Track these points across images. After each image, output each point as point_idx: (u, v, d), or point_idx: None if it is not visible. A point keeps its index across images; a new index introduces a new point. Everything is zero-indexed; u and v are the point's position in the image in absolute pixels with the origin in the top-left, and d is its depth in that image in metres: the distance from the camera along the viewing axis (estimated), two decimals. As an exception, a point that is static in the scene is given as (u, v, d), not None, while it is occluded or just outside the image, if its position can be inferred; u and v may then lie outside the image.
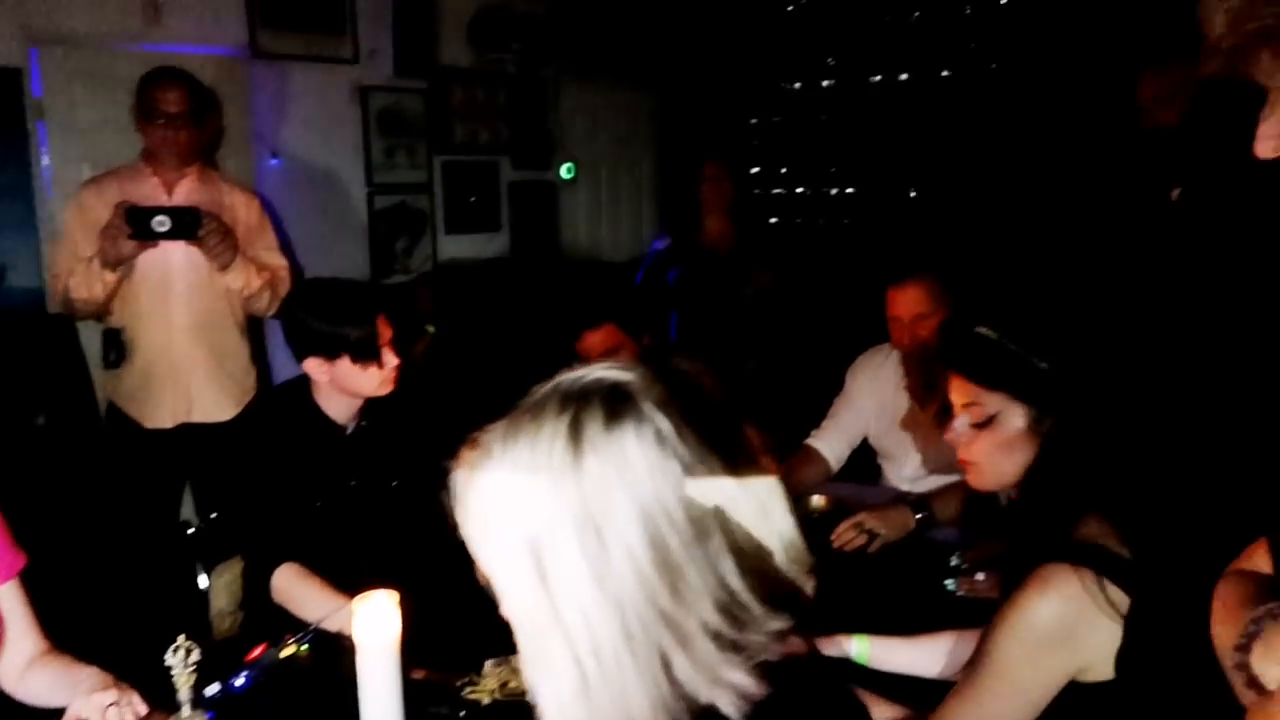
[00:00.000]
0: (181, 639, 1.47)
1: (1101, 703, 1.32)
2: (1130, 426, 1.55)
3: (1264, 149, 0.80)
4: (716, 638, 0.72)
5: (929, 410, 2.50)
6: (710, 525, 0.73)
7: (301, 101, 4.10)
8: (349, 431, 2.19)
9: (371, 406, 2.19)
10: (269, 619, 1.98)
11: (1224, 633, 0.93)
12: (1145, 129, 2.66)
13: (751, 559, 0.74)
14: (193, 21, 3.78)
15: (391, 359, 2.12)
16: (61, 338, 3.54)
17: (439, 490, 2.34)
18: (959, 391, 1.52)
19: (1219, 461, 2.21)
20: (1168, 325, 2.49)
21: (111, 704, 1.55)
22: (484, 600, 1.94)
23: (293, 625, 1.85)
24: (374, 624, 1.49)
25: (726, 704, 0.72)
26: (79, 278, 2.67)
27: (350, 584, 1.92)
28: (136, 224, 2.60)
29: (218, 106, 3.56)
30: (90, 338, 3.31)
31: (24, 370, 3.20)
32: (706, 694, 0.72)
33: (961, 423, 1.51)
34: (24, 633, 1.78)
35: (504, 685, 1.66)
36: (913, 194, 4.90)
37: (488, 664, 1.70)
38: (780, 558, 0.76)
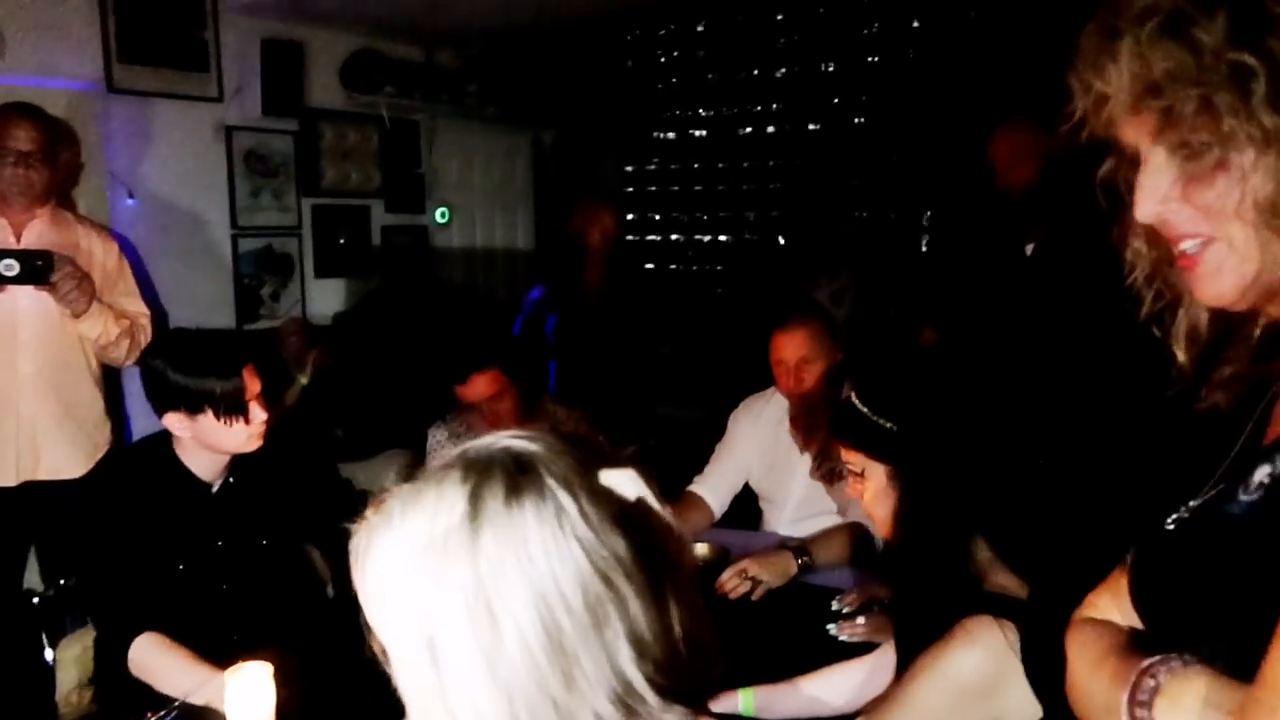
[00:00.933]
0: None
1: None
2: (981, 473, 1.67)
3: (1147, 211, 0.82)
4: None
5: (809, 453, 2.56)
6: (608, 611, 0.69)
7: (161, 139, 3.93)
8: (215, 489, 2.08)
9: (240, 462, 2.09)
10: (125, 695, 1.85)
11: (1096, 687, 0.95)
12: (999, 188, 2.83)
13: (651, 646, 0.71)
14: (44, 53, 3.58)
15: (259, 414, 2.01)
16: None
17: (312, 550, 2.26)
18: (844, 455, 1.67)
19: (1073, 506, 2.34)
20: (1022, 370, 2.63)
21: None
22: (363, 669, 1.87)
23: (152, 701, 1.73)
24: (247, 698, 1.41)
25: None
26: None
27: (217, 654, 1.82)
28: (-20, 267, 2.43)
29: (74, 143, 3.37)
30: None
31: None
32: None
33: (851, 479, 1.65)
34: None
35: (386, 755, 1.59)
36: (781, 241, 5.06)
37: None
38: (681, 649, 0.73)
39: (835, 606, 2.16)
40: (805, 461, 2.56)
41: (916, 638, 1.56)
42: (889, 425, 1.59)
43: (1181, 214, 0.81)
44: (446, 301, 4.70)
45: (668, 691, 0.71)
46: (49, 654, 2.09)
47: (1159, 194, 0.80)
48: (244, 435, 2.00)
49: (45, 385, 2.66)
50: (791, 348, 2.52)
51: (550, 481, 0.71)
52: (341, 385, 3.66)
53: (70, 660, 2.08)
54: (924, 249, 4.46)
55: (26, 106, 2.69)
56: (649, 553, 0.72)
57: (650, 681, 0.70)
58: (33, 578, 2.83)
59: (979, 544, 1.62)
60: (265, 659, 1.50)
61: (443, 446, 2.72)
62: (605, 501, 0.72)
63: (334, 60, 4.44)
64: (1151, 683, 0.84)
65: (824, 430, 2.58)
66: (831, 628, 2.08)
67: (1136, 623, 1.02)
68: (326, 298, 4.52)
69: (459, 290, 5.01)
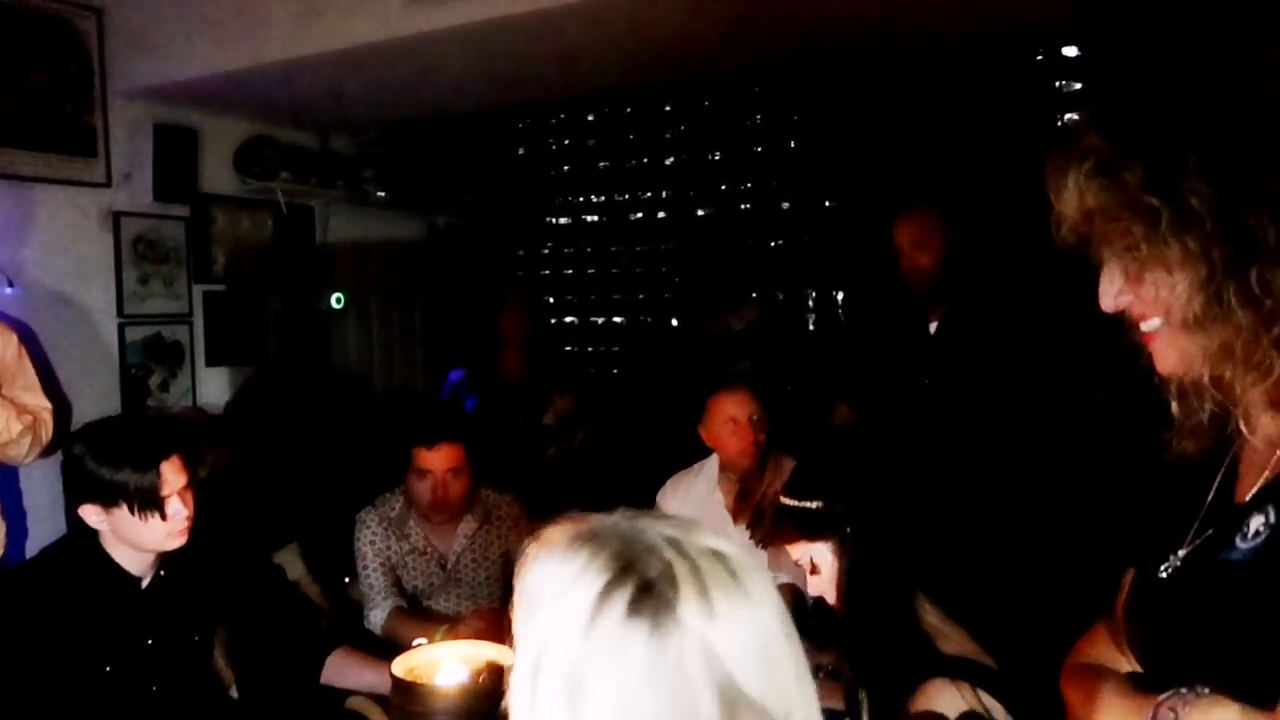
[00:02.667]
0: None
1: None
2: (913, 533, 1.79)
3: (1107, 304, 0.97)
4: None
5: (742, 521, 2.62)
6: None
7: (44, 225, 3.75)
8: (145, 584, 1.98)
9: (170, 555, 1.99)
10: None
11: None
12: (904, 268, 3.00)
13: None
14: (-85, 137, 3.40)
15: (180, 509, 1.93)
16: None
17: (216, 649, 2.16)
18: (792, 552, 1.78)
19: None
20: (936, 439, 2.79)
21: None
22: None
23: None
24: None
25: None
26: None
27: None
28: None
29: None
30: None
31: None
32: None
33: (809, 578, 1.76)
34: None
35: None
36: (675, 323, 5.19)
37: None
38: None
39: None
40: (739, 531, 2.62)
41: (873, 704, 1.64)
42: (815, 505, 1.72)
43: (1135, 302, 0.96)
44: (346, 386, 4.62)
45: None
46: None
47: (1113, 291, 0.96)
48: (162, 532, 1.91)
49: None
50: (741, 405, 2.61)
51: (668, 617, 0.73)
52: (241, 478, 3.53)
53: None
54: (811, 328, 4.66)
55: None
56: (771, 682, 0.75)
57: None
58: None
59: (925, 607, 1.73)
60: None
61: (372, 530, 2.65)
62: (735, 627, 0.74)
63: (228, 145, 4.36)
64: (1171, 715, 0.92)
65: (759, 493, 2.67)
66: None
67: (1130, 667, 1.11)
68: (218, 386, 4.36)
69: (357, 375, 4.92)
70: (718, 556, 0.78)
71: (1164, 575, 1.03)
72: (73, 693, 1.82)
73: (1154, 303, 0.93)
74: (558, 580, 0.77)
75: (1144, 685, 1.03)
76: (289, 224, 4.62)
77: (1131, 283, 0.94)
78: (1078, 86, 3.70)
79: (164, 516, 1.89)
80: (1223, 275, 0.86)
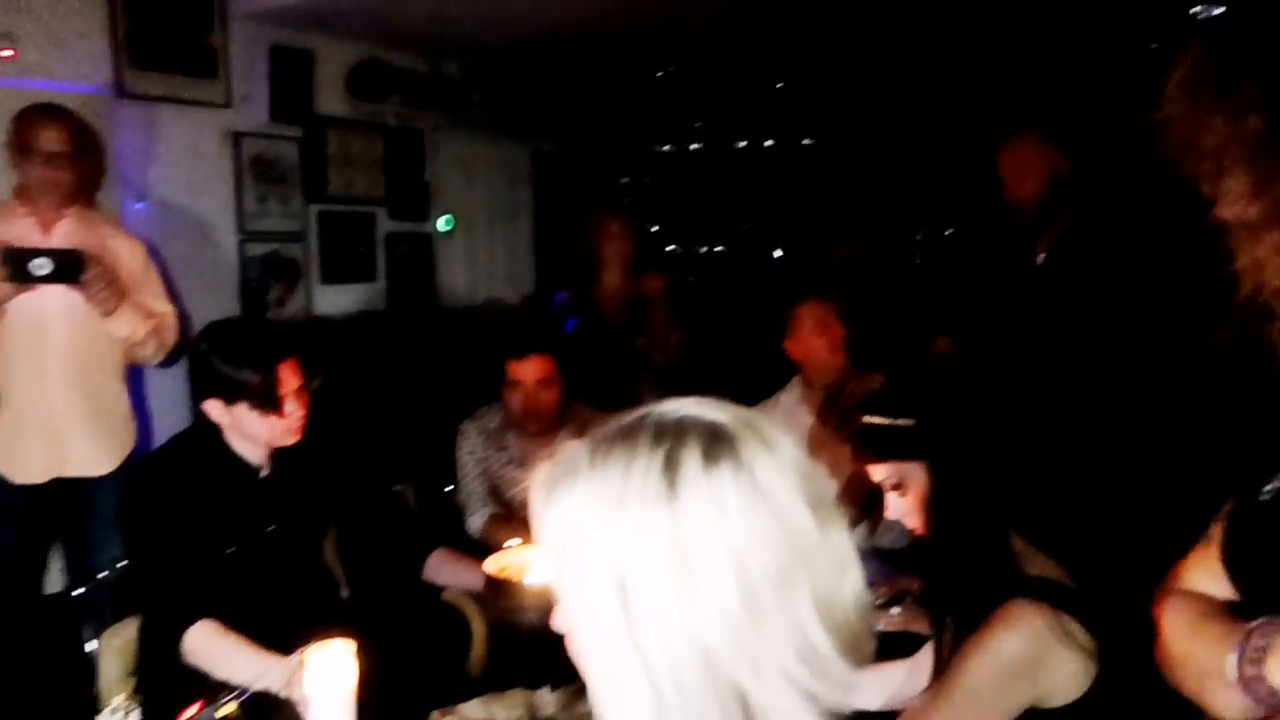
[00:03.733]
0: (120, 699, 1.38)
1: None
2: (1006, 457, 1.76)
3: (1227, 211, 0.93)
4: (795, 686, 0.73)
5: (829, 427, 2.62)
6: (797, 575, 0.74)
7: (170, 145, 3.93)
8: (264, 474, 2.10)
9: (285, 451, 2.11)
10: (169, 684, 1.86)
11: (1196, 652, 1.01)
12: (1009, 198, 2.91)
13: (832, 612, 0.75)
14: (53, 58, 3.58)
15: (296, 409, 2.04)
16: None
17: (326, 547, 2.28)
18: (874, 472, 1.74)
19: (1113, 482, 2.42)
20: (1037, 368, 2.72)
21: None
22: (418, 650, 1.90)
23: (199, 689, 1.73)
24: (328, 676, 1.44)
25: None
26: (-53, 319, 2.47)
27: (270, 640, 1.84)
28: (14, 266, 2.43)
29: (101, 147, 3.37)
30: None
31: None
32: None
33: (890, 497, 1.73)
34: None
35: (452, 736, 1.62)
36: (777, 254, 5.14)
37: (434, 715, 1.66)
38: (853, 615, 0.77)
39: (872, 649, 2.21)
40: (829, 438, 2.62)
41: (958, 627, 1.63)
42: (907, 423, 1.68)
43: (1258, 213, 0.91)
44: (452, 306, 4.74)
45: (845, 654, 0.75)
46: (91, 645, 2.09)
47: (1235, 200, 0.92)
48: (279, 428, 2.03)
49: (73, 384, 2.66)
50: (827, 314, 2.68)
51: (744, 450, 0.76)
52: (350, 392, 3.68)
53: (112, 653, 2.08)
54: (918, 263, 4.56)
55: (55, 108, 2.71)
56: (826, 525, 0.77)
57: (832, 643, 0.74)
58: (56, 573, 2.83)
59: (1012, 534, 1.71)
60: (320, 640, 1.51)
61: (472, 441, 2.75)
62: (789, 473, 0.77)
63: (341, 68, 4.47)
64: (1261, 642, 0.90)
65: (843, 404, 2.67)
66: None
67: (1228, 594, 1.08)
68: (332, 303, 4.53)
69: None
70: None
71: (1264, 499, 1.00)
72: (204, 571, 1.96)
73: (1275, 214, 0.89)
74: (603, 492, 0.76)
75: (1240, 613, 1.01)
76: (398, 146, 4.72)
77: (1255, 193, 0.90)
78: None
79: (280, 414, 2.01)
80: None
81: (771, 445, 0.78)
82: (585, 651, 0.79)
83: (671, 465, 0.75)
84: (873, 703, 1.74)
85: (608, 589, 0.75)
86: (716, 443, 0.76)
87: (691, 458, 0.75)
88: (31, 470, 2.62)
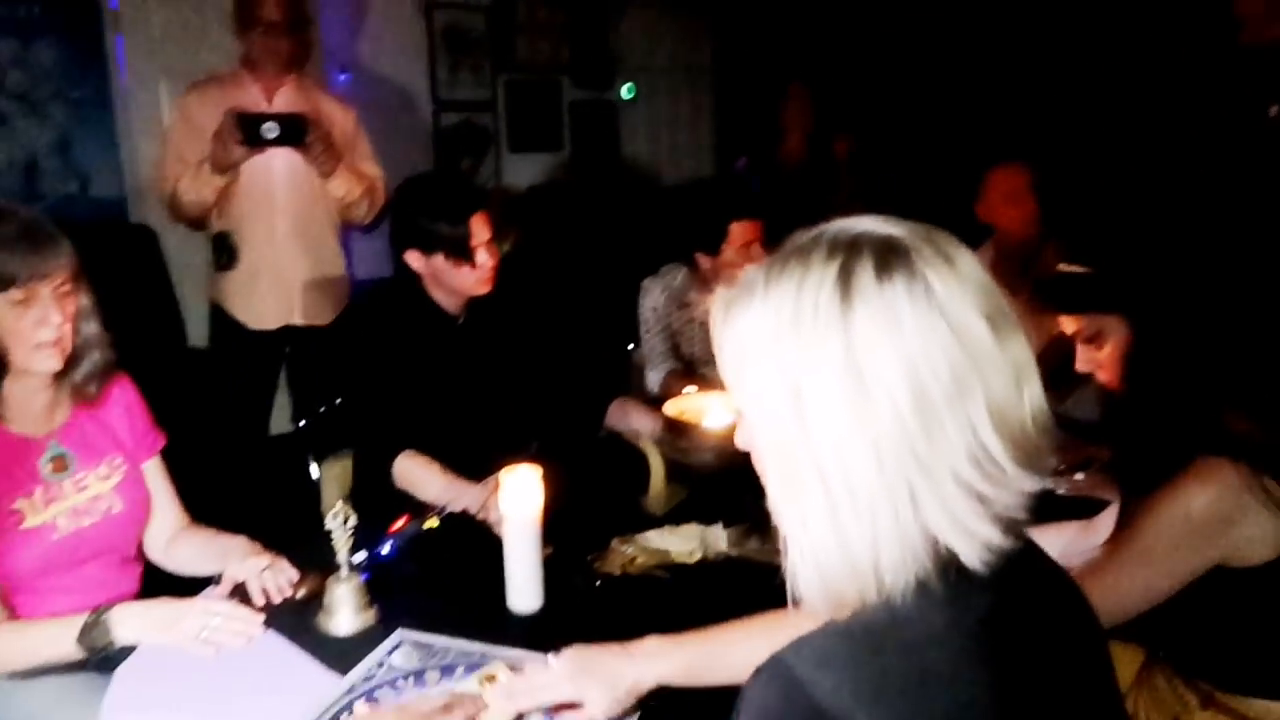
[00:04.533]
0: (340, 505, 1.54)
1: (1247, 585, 1.39)
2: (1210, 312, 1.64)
3: None
4: (966, 488, 0.74)
5: (1021, 298, 2.54)
6: (971, 383, 0.74)
7: (370, 15, 4.09)
8: (460, 322, 2.24)
9: (476, 302, 2.24)
10: (380, 506, 2.05)
11: None
12: (1243, 44, 2.63)
13: (1007, 419, 0.75)
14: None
15: (487, 259, 2.15)
16: (143, 245, 3.61)
17: (549, 384, 2.39)
18: (1067, 323, 1.69)
19: None
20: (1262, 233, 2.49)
21: (265, 568, 1.63)
22: (599, 485, 2.01)
23: (406, 510, 1.90)
24: (519, 496, 1.55)
25: (968, 552, 0.75)
26: (188, 181, 2.72)
27: (465, 469, 2.00)
28: (246, 130, 2.64)
29: (311, 18, 3.56)
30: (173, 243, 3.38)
31: (109, 278, 3.27)
32: (950, 539, 0.75)
33: (1081, 349, 1.67)
34: (168, 505, 1.87)
35: (632, 560, 1.72)
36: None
37: (614, 541, 1.77)
38: (1031, 428, 0.77)
39: (1050, 463, 2.16)
40: (1021, 306, 2.54)
41: (1148, 486, 1.57)
42: (1101, 274, 1.64)
43: None
44: (635, 173, 4.78)
45: (1021, 463, 0.76)
46: (314, 471, 2.32)
47: None
48: (472, 278, 2.15)
49: (298, 240, 2.89)
50: (1019, 176, 2.55)
51: (919, 262, 0.76)
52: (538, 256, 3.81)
53: (332, 479, 2.31)
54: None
55: (274, -22, 2.86)
56: (1004, 336, 0.77)
57: (1007, 451, 0.75)
58: (282, 412, 3.13)
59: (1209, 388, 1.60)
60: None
61: (655, 298, 2.82)
62: (967, 285, 0.77)
63: (526, -66, 4.49)
64: None
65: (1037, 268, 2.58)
66: (1049, 482, 2.08)
67: None
68: (520, 172, 4.66)
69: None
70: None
71: None
72: (408, 408, 2.13)
73: None
74: (778, 308, 0.78)
75: None
76: (583, 14, 4.72)
77: None
78: None
79: (473, 264, 2.12)
80: None
81: (949, 258, 0.78)
82: (764, 461, 0.82)
83: (845, 279, 0.76)
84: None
85: (783, 400, 0.77)
86: (891, 255, 0.76)
87: (865, 271, 0.76)
88: (265, 318, 2.89)
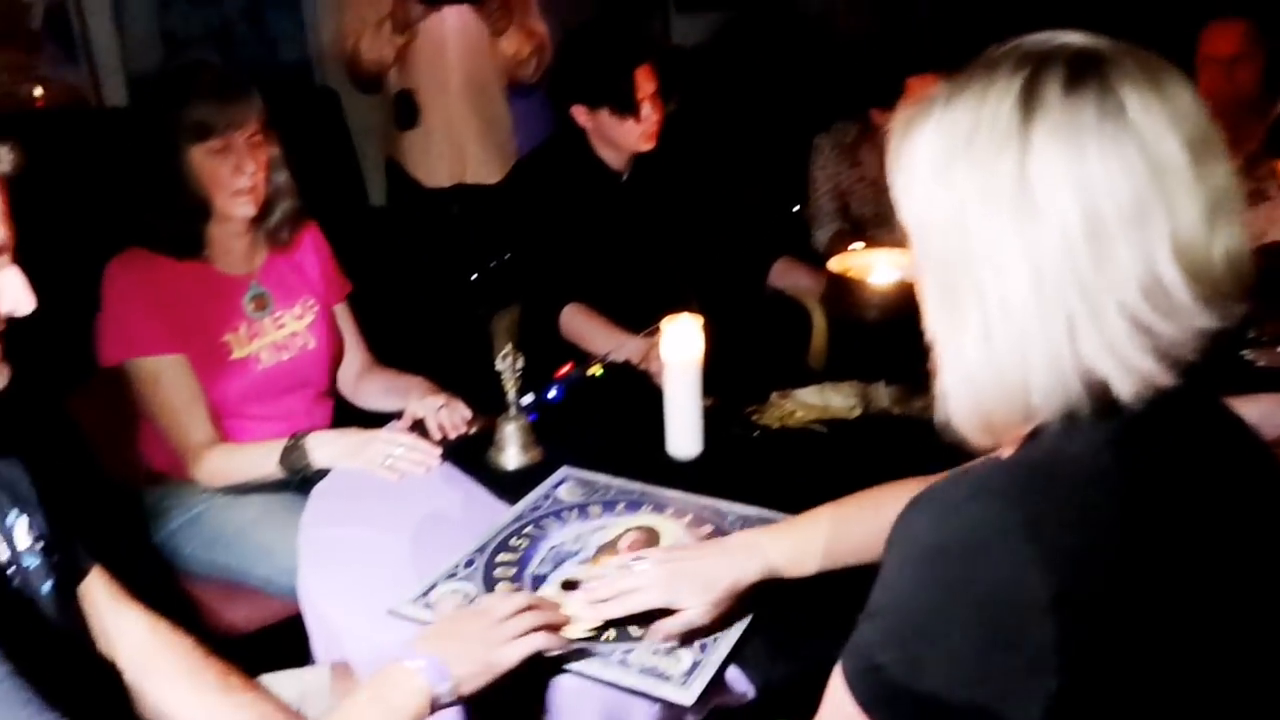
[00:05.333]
0: (509, 348, 1.60)
1: None
2: None
3: None
4: (1132, 320, 0.70)
5: (1236, 160, 2.32)
6: (1154, 211, 0.69)
7: None
8: (625, 178, 2.25)
9: (641, 159, 2.24)
10: (546, 357, 2.13)
11: None
12: None
13: (1191, 252, 0.70)
14: None
15: (651, 113, 2.13)
16: (327, 107, 3.77)
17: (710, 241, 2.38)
18: None
19: None
20: None
21: (442, 407, 1.74)
22: (761, 338, 2.00)
23: (570, 360, 1.96)
24: (680, 344, 1.57)
25: (1123, 385, 0.71)
26: (368, 40, 2.79)
27: (628, 321, 2.04)
28: (426, -13, 2.68)
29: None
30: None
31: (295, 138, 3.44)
32: (1105, 370, 0.71)
33: None
34: (356, 346, 2.00)
35: (791, 414, 1.73)
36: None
37: (774, 395, 1.77)
38: (1220, 266, 0.71)
39: (1251, 335, 2.01)
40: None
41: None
42: None
43: None
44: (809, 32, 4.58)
45: (1201, 299, 0.71)
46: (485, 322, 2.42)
47: None
48: (635, 133, 2.14)
49: (470, 99, 2.94)
50: (1232, 38, 2.27)
51: (1116, 77, 0.70)
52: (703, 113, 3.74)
53: (502, 329, 2.41)
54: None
55: None
56: (1202, 164, 0.71)
57: (1186, 284, 0.70)
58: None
59: None
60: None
61: (825, 155, 2.74)
62: (1168, 106, 0.70)
63: None
64: None
65: (1250, 140, 2.34)
66: (1248, 354, 1.95)
67: None
68: (688, 32, 4.54)
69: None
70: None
71: None
72: (576, 261, 2.17)
73: None
74: (954, 124, 0.74)
75: None
76: None
77: None
78: None
79: (637, 118, 2.11)
80: None
81: (1154, 75, 0.71)
82: (925, 280, 0.80)
83: (1029, 91, 0.71)
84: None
85: (950, 216, 0.75)
86: (1085, 68, 0.71)
87: (1052, 84, 0.71)
88: (439, 175, 2.98)
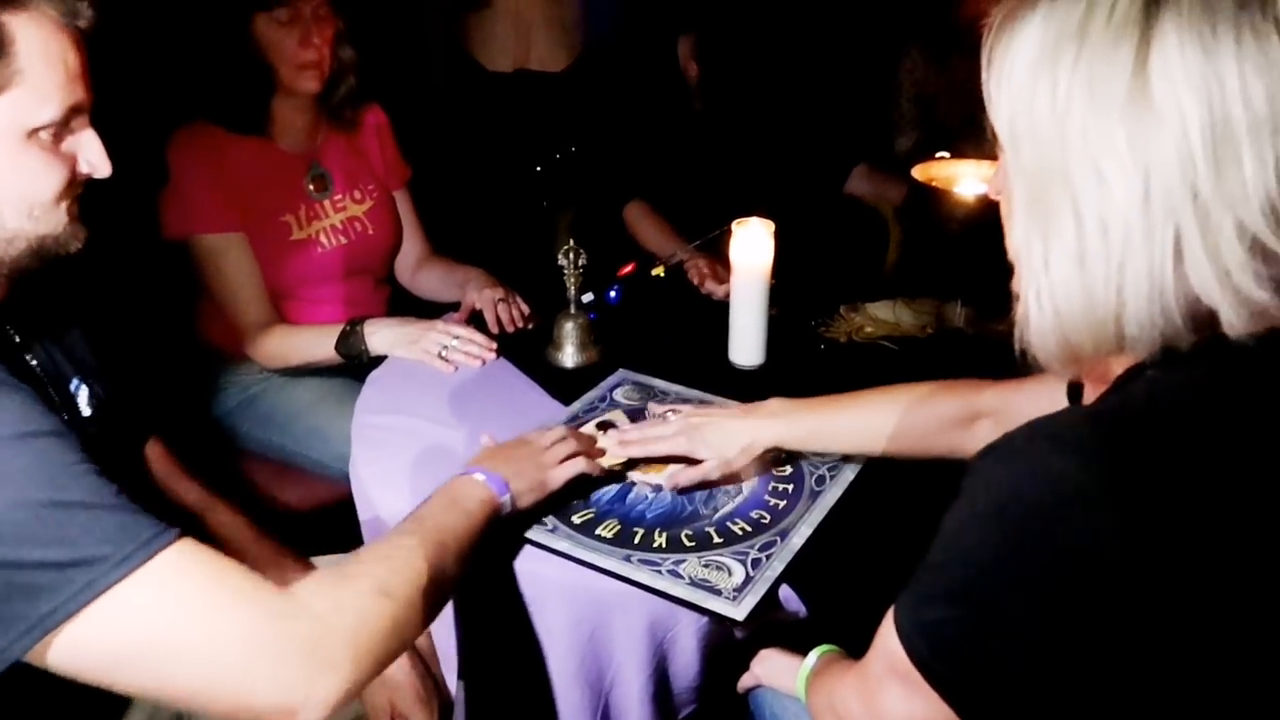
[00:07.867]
0: (571, 243, 1.55)
1: None
2: None
3: None
4: (1250, 242, 0.62)
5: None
6: None
7: None
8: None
9: (719, 56, 2.13)
10: (607, 255, 2.07)
11: None
12: None
13: None
14: None
15: None
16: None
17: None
18: None
19: None
20: None
21: (500, 299, 1.70)
22: (833, 247, 1.91)
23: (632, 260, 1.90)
24: (750, 248, 1.50)
25: (1235, 319, 0.63)
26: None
27: (700, 227, 1.97)
28: None
29: None
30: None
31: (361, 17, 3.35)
32: (1213, 298, 0.63)
33: None
34: (415, 233, 1.97)
35: (859, 329, 1.66)
36: None
37: (843, 308, 1.71)
38: None
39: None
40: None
41: None
42: None
43: None
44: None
45: None
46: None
47: None
48: None
49: (534, -14, 2.82)
50: None
51: None
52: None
53: (564, 226, 2.35)
54: None
55: None
56: None
57: None
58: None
59: None
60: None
61: (912, 59, 2.59)
62: None
63: None
64: None
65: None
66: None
67: None
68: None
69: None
70: None
71: None
72: (633, 155, 2.09)
73: None
74: (1065, 16, 0.66)
75: None
76: None
77: None
78: None
79: None
80: None
81: None
82: (1013, 192, 0.72)
83: None
84: None
85: (1050, 114, 0.67)
86: None
87: None
88: (501, 60, 2.88)
